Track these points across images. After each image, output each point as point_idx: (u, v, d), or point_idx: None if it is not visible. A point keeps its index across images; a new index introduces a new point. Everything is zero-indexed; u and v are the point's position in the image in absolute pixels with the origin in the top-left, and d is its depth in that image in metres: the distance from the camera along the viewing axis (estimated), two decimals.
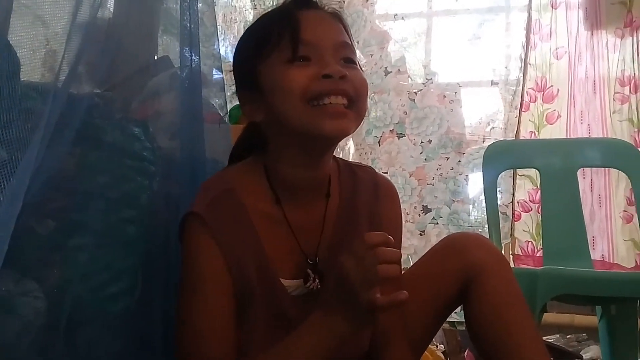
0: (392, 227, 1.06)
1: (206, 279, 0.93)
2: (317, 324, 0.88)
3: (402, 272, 1.10)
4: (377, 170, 1.14)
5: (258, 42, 0.97)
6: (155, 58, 1.33)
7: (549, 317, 2.34)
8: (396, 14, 2.93)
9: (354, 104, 0.93)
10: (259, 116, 0.98)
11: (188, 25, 1.12)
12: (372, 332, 1.02)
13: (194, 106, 1.14)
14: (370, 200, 1.06)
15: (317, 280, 0.98)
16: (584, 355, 2.39)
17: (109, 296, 0.97)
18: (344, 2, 2.93)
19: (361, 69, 0.99)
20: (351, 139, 2.85)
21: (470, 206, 2.67)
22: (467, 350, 2.04)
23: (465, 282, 1.01)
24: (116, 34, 1.18)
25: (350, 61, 0.96)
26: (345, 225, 1.02)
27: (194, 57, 1.13)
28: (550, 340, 2.46)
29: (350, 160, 2.16)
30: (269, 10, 1.03)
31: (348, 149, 2.89)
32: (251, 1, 3.11)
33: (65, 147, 0.90)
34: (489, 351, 1.00)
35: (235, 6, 3.13)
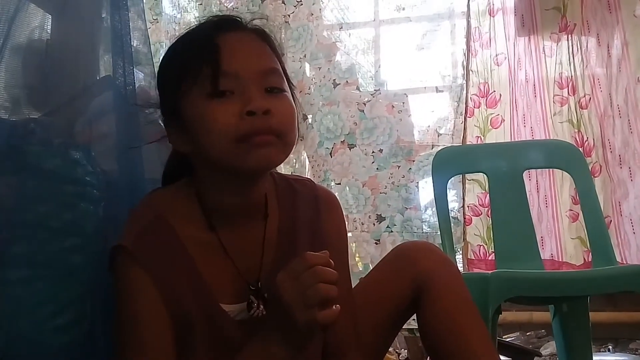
0: (335, 240, 1.04)
1: (142, 315, 0.88)
2: (256, 349, 0.86)
3: (357, 284, 1.10)
4: (330, 181, 1.13)
5: (178, 73, 0.92)
6: (98, 78, 1.30)
7: (508, 315, 2.38)
8: (342, 26, 2.96)
9: (281, 137, 0.89)
10: (186, 147, 0.93)
11: (122, 42, 1.10)
12: (324, 345, 1.00)
13: (132, 125, 1.10)
14: (310, 214, 1.03)
15: (262, 306, 0.94)
16: (543, 352, 2.44)
17: (55, 328, 0.93)
18: (289, 16, 2.94)
19: (291, 88, 0.95)
20: (304, 151, 2.85)
21: (423, 212, 2.70)
22: (428, 357, 2.05)
23: (417, 291, 1.02)
24: (55, 55, 1.15)
25: (276, 89, 0.91)
26: (286, 245, 0.99)
27: (129, 75, 1.10)
28: (510, 339, 2.51)
29: (295, 174, 2.13)
30: (190, 30, 0.97)
31: (303, 160, 2.89)
32: (195, 17, 3.08)
33: None
34: (441, 358, 1.01)
35: (180, 22, 3.10)
